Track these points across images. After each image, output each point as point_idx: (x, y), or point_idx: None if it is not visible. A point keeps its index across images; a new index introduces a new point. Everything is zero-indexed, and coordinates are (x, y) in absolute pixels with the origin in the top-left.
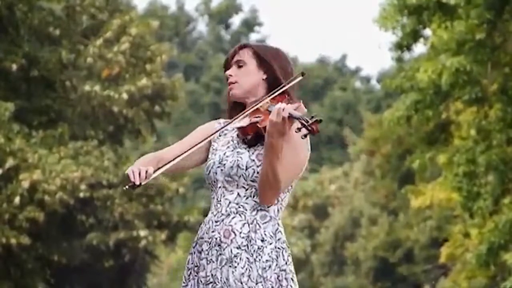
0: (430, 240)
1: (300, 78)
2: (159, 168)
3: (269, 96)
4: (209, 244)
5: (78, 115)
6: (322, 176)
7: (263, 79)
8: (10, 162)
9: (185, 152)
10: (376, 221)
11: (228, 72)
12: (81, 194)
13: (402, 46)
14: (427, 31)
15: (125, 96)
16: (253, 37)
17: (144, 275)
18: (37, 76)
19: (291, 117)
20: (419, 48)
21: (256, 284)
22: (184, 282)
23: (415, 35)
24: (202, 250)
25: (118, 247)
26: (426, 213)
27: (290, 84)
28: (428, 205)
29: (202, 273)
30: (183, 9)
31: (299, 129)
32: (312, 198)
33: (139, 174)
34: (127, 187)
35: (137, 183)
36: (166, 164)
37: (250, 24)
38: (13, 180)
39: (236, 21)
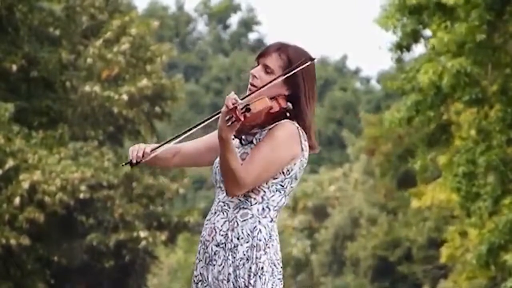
0: (428, 241)
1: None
2: (158, 147)
3: (257, 90)
4: (201, 243)
5: (78, 116)
6: (321, 176)
7: (285, 95)
8: (10, 163)
9: (185, 133)
10: (376, 221)
11: (253, 72)
12: (81, 195)
13: (401, 46)
14: (427, 32)
15: (125, 97)
16: (252, 37)
17: (144, 276)
18: (37, 76)
19: (235, 108)
20: (419, 48)
21: (228, 281)
22: None
23: (415, 36)
24: (198, 250)
25: (118, 247)
26: (425, 213)
27: (274, 82)
28: (428, 205)
29: (195, 272)
30: (183, 9)
31: (228, 118)
32: (311, 199)
33: (137, 152)
34: (124, 164)
35: (134, 161)
36: (164, 144)
37: (248, 24)
38: (13, 180)
39: (235, 21)
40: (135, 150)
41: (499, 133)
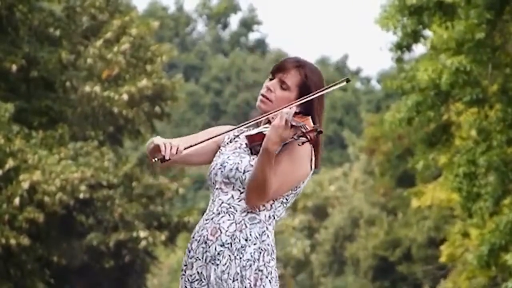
0: (428, 240)
1: (319, 94)
2: (190, 146)
3: (281, 109)
4: (198, 242)
5: (78, 116)
6: (321, 176)
7: (296, 112)
8: (10, 163)
9: (207, 139)
10: (376, 221)
11: (269, 85)
12: (81, 195)
13: (402, 46)
14: (428, 32)
15: (125, 97)
16: (252, 37)
17: (144, 276)
18: (37, 76)
19: (293, 125)
20: (420, 49)
21: (233, 281)
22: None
23: (415, 36)
24: (191, 248)
25: (118, 247)
26: (424, 213)
27: (304, 101)
28: (428, 205)
29: (189, 272)
30: (183, 9)
31: (298, 137)
32: (311, 199)
33: (171, 148)
34: (156, 159)
35: (167, 157)
36: (194, 145)
37: (248, 24)
38: (13, 181)
39: (235, 21)
40: (168, 146)
41: (499, 133)
